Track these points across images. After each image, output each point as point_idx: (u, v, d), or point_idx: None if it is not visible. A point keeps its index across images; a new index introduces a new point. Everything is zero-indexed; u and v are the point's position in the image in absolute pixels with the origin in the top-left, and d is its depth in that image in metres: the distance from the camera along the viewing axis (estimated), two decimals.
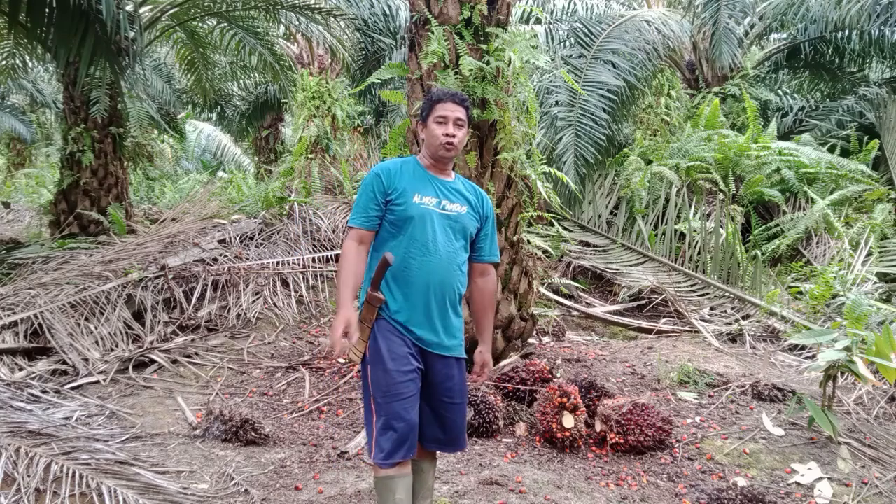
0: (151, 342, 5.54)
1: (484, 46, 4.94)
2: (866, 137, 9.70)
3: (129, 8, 7.68)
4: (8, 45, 8.90)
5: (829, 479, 3.71)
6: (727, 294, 7.25)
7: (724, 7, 9.36)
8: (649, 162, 9.51)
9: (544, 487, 3.58)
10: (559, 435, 4.04)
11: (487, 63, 4.85)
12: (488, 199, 2.94)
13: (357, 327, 2.61)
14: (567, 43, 10.32)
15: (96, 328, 5.55)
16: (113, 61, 6.84)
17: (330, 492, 3.53)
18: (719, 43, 9.32)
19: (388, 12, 11.24)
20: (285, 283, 6.70)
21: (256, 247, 7.08)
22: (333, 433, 4.33)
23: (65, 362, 5.12)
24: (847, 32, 10.42)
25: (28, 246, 8.59)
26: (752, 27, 11.28)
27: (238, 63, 12.88)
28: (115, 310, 5.77)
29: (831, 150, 9.61)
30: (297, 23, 9.78)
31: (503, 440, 4.23)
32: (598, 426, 4.13)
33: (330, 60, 11.39)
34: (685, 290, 7.56)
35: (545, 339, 6.12)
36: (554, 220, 8.73)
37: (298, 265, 6.92)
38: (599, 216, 9.11)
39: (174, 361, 5.30)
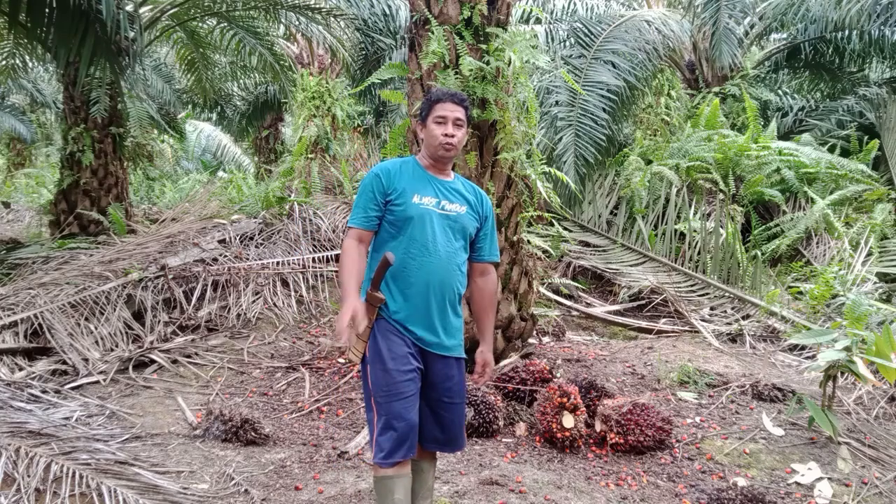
0: (151, 342, 5.54)
1: (484, 46, 4.94)
2: (866, 137, 9.70)
3: (129, 8, 7.68)
4: (8, 45, 8.90)
5: (829, 479, 3.71)
6: (727, 294, 7.25)
7: (724, 7, 9.36)
8: (649, 162, 9.51)
9: (544, 487, 3.58)
10: (559, 435, 4.04)
11: (487, 63, 4.85)
12: (488, 198, 2.94)
13: (364, 316, 2.60)
14: (567, 43, 10.32)
15: (96, 328, 5.55)
16: (113, 61, 6.84)
17: (330, 492, 3.53)
18: (719, 43, 9.32)
19: (388, 12, 11.24)
20: (285, 283, 6.70)
21: (256, 247, 7.08)
22: (333, 433, 4.34)
23: (65, 362, 5.12)
24: (847, 32, 10.42)
25: (28, 246, 8.59)
26: (752, 27, 11.28)
27: (238, 63, 12.88)
28: (115, 310, 5.77)
29: (831, 150, 9.61)
30: (297, 23, 9.78)
31: (503, 440, 4.23)
32: (598, 426, 4.13)
33: (330, 60, 11.39)
34: (685, 290, 7.56)
35: (545, 339, 6.12)
36: (554, 220, 8.73)
37: (298, 265, 6.92)
38: (599, 216, 9.11)
39: (174, 361, 5.30)
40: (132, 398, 4.72)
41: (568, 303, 7.54)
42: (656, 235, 8.32)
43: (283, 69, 10.14)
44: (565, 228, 8.89)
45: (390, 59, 11.50)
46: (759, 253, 7.71)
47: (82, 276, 6.10)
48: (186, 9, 8.83)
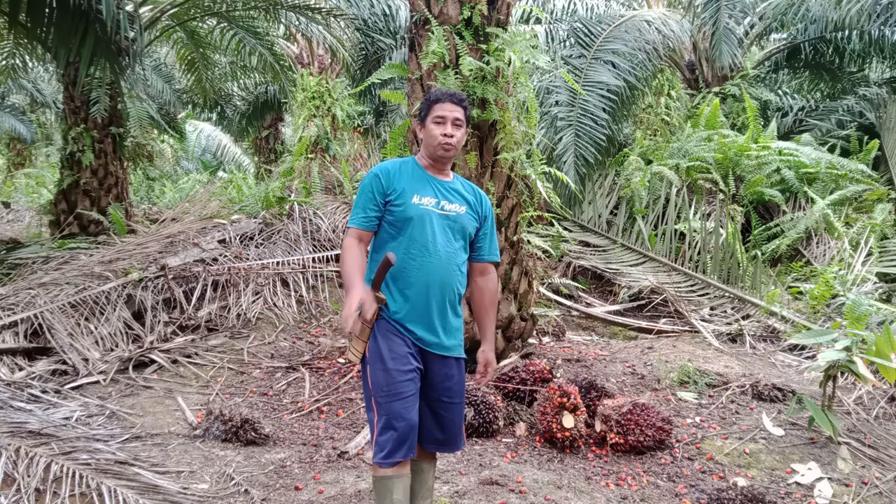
0: (151, 342, 5.54)
1: (484, 46, 4.94)
2: (866, 137, 9.71)
3: (129, 8, 7.68)
4: (8, 45, 8.90)
5: (829, 479, 3.71)
6: (727, 294, 7.25)
7: (724, 7, 9.36)
8: (649, 162, 9.51)
9: (544, 487, 3.58)
10: (559, 435, 4.04)
11: (487, 63, 4.85)
12: (487, 198, 2.94)
13: (373, 303, 2.59)
14: (567, 43, 10.32)
15: (96, 328, 5.55)
16: (113, 61, 6.84)
17: (330, 492, 3.53)
18: (719, 43, 9.32)
19: (388, 12, 11.24)
20: (285, 283, 6.70)
21: (256, 247, 7.08)
22: (333, 433, 4.34)
23: (65, 362, 5.12)
24: (847, 32, 10.42)
25: (28, 246, 8.59)
26: (752, 27, 11.28)
27: (238, 63, 12.88)
28: (115, 310, 5.77)
29: (831, 150, 9.62)
30: (297, 23, 9.78)
31: (503, 440, 4.24)
32: (598, 426, 4.13)
33: (330, 60, 11.39)
34: (685, 290, 7.56)
35: (545, 339, 6.12)
36: (554, 220, 8.73)
37: (298, 265, 6.92)
38: (599, 216, 9.11)
39: (174, 361, 5.30)
40: (132, 398, 4.72)
41: (568, 303, 7.54)
42: (656, 235, 8.32)
43: (283, 69, 10.14)
44: (565, 228, 8.89)
45: (390, 59, 11.50)
46: (759, 253, 7.71)
47: (82, 276, 6.10)
48: (186, 9, 8.83)
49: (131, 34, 6.82)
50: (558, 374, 4.96)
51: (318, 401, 4.79)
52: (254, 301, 6.33)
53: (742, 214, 8.59)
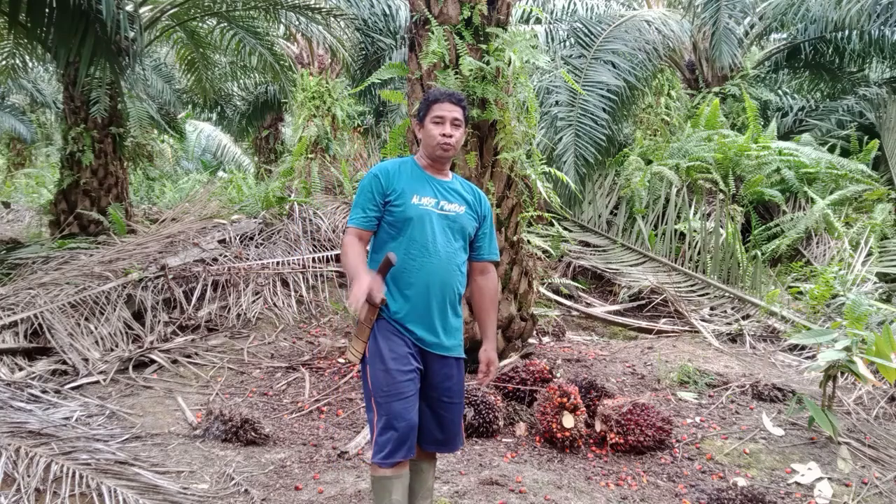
0: (151, 342, 5.54)
1: (484, 46, 4.94)
2: (866, 137, 9.71)
3: (129, 8, 7.69)
4: (8, 45, 8.90)
5: (829, 479, 3.71)
6: (727, 294, 7.25)
7: (724, 7, 9.36)
8: (649, 162, 9.51)
9: (544, 487, 3.58)
10: (559, 435, 4.04)
11: (487, 63, 4.85)
12: (486, 198, 2.94)
13: (381, 286, 2.57)
14: (567, 43, 10.32)
15: (96, 328, 5.55)
16: (113, 61, 6.84)
17: (330, 492, 3.53)
18: (719, 43, 9.32)
19: (388, 12, 11.24)
20: (285, 283, 6.70)
21: (256, 247, 7.08)
22: (333, 433, 4.34)
23: (65, 362, 5.12)
24: (847, 32, 10.42)
25: (28, 246, 8.59)
26: (752, 27, 11.28)
27: (238, 63, 12.88)
28: (115, 310, 5.77)
29: (831, 150, 9.62)
30: (297, 23, 9.78)
31: (503, 440, 4.24)
32: (598, 426, 4.13)
33: (330, 60, 11.39)
34: (685, 290, 7.56)
35: (545, 339, 6.12)
36: (554, 220, 8.73)
37: (298, 265, 6.92)
38: (599, 216, 9.11)
39: (174, 361, 5.30)
40: (132, 398, 4.72)
41: (568, 303, 7.54)
42: (656, 235, 8.32)
43: (283, 69, 10.14)
44: (565, 228, 8.89)
45: (390, 59, 11.50)
46: (759, 253, 7.71)
47: (82, 276, 6.10)
48: (186, 9, 8.83)
49: (131, 34, 6.82)
50: (558, 374, 4.96)
51: (318, 401, 4.79)
52: (254, 301, 6.33)
53: (742, 214, 8.59)
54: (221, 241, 7.09)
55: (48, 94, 16.19)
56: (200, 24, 9.69)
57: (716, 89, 10.75)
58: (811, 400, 4.15)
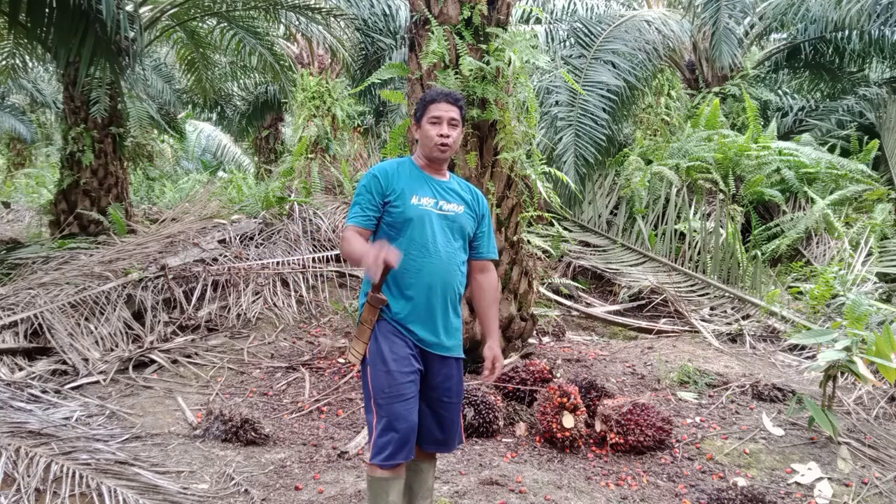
0: (151, 342, 5.54)
1: (484, 46, 4.94)
2: (866, 137, 9.71)
3: (129, 8, 7.69)
4: (8, 45, 8.90)
5: (829, 479, 3.71)
6: (727, 294, 7.25)
7: (724, 7, 9.36)
8: (649, 162, 9.51)
9: (544, 487, 3.58)
10: (559, 435, 4.04)
11: (487, 63, 4.85)
12: (483, 197, 2.94)
13: (392, 250, 2.48)
14: (567, 43, 10.32)
15: (96, 328, 5.55)
16: (113, 61, 6.84)
17: (330, 492, 3.53)
18: (719, 43, 9.32)
19: (388, 12, 11.25)
20: (285, 283, 6.70)
21: (256, 247, 7.08)
22: (333, 433, 4.34)
23: (65, 362, 5.12)
24: (847, 32, 10.42)
25: (28, 246, 8.59)
26: (752, 27, 11.28)
27: (238, 63, 12.88)
28: (115, 310, 5.77)
29: (831, 150, 9.62)
30: (297, 23, 9.78)
31: (503, 440, 4.23)
32: (598, 426, 4.13)
33: (330, 60, 11.39)
34: (685, 290, 7.56)
35: (545, 339, 6.12)
36: (554, 220, 8.74)
37: (298, 265, 6.92)
38: (599, 216, 9.11)
39: (174, 361, 5.30)
40: (132, 398, 4.72)
41: (568, 303, 7.54)
42: (656, 235, 8.32)
43: (283, 69, 10.14)
44: (565, 228, 8.89)
45: (390, 59, 11.50)
46: (759, 253, 7.71)
47: (82, 276, 6.10)
48: (186, 9, 8.83)
49: (131, 34, 6.82)
50: (558, 374, 4.96)
51: (318, 401, 4.79)
52: (254, 301, 6.33)
53: (742, 214, 8.59)
54: (221, 241, 7.09)
55: (48, 94, 16.19)
56: (200, 24, 9.69)
57: (716, 89, 10.75)
58: (811, 400, 4.15)
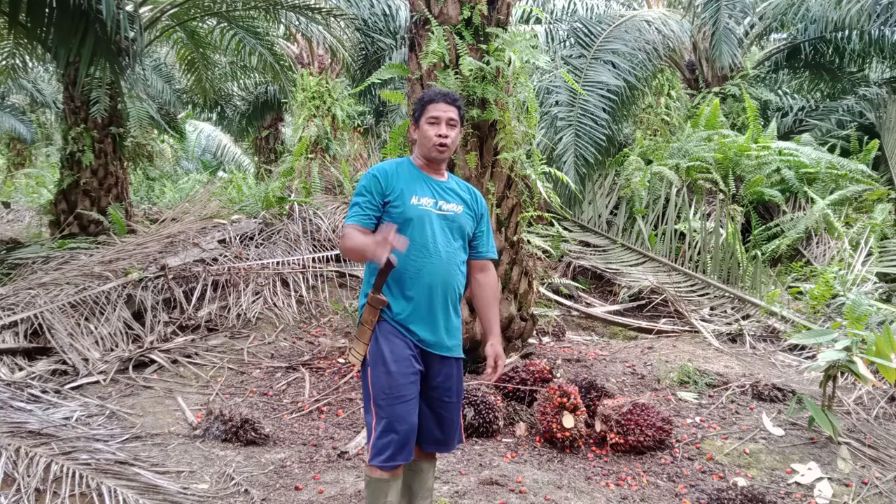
0: (151, 342, 5.54)
1: (484, 46, 4.94)
2: (866, 137, 9.71)
3: (129, 8, 7.69)
4: (8, 45, 8.90)
5: (829, 479, 3.71)
6: (727, 294, 7.25)
7: (724, 7, 9.36)
8: (649, 162, 9.51)
9: (544, 487, 3.58)
10: (559, 435, 4.04)
11: (487, 63, 4.85)
12: (481, 196, 2.94)
13: (397, 233, 2.49)
14: (567, 43, 10.32)
15: (96, 328, 5.55)
16: (113, 61, 6.84)
17: (330, 492, 3.53)
18: (719, 43, 9.32)
19: (388, 12, 11.25)
20: (285, 283, 6.70)
21: (256, 247, 7.08)
22: (333, 433, 4.34)
23: (65, 362, 5.12)
24: (847, 32, 10.42)
25: (28, 246, 8.59)
26: (752, 27, 11.28)
27: (238, 63, 12.88)
28: (115, 310, 5.77)
29: (831, 150, 9.62)
30: (297, 23, 9.78)
31: (503, 440, 4.23)
32: (598, 426, 4.13)
33: (330, 60, 11.39)
34: (685, 290, 7.56)
35: (545, 339, 6.12)
36: (554, 220, 8.74)
37: (298, 265, 6.92)
38: (599, 216, 9.11)
39: (174, 361, 5.30)
40: (132, 398, 4.72)
41: (568, 303, 7.54)
42: (656, 235, 8.32)
43: (283, 69, 10.14)
44: (565, 228, 8.89)
45: (390, 59, 11.50)
46: (759, 253, 7.71)
47: (82, 276, 6.10)
48: (186, 9, 8.83)
49: (131, 34, 6.82)
50: (558, 374, 4.96)
51: (318, 401, 4.79)
52: (254, 301, 6.33)
53: (742, 214, 8.59)
54: (221, 241, 7.09)
55: (48, 94, 16.19)
56: (200, 24, 9.69)
57: (716, 89, 10.75)
58: (811, 400, 4.15)
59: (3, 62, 9.06)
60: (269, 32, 10.30)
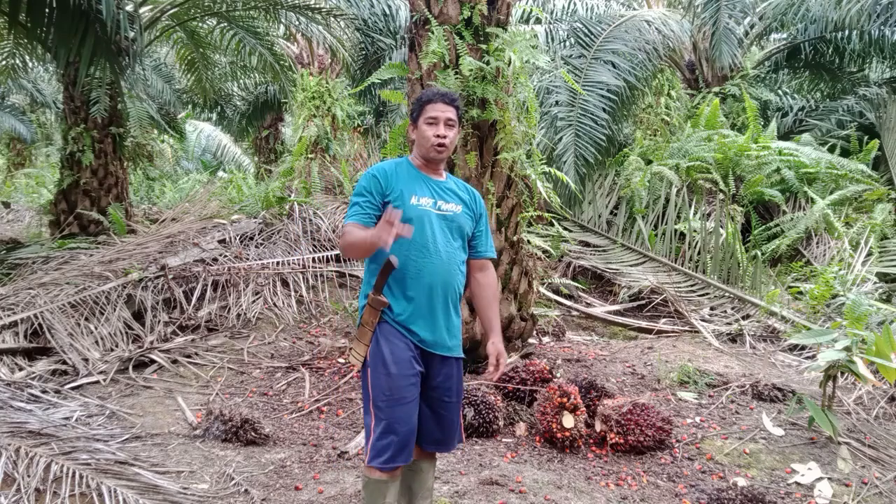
0: (151, 342, 5.54)
1: (484, 46, 4.94)
2: (866, 137, 9.71)
3: (129, 8, 7.69)
4: (8, 45, 8.90)
5: (829, 479, 3.71)
6: (727, 294, 7.25)
7: (724, 7, 9.36)
8: (649, 162, 9.51)
9: (544, 487, 3.58)
10: (559, 435, 4.04)
11: (487, 63, 4.85)
12: (480, 196, 2.94)
13: (399, 213, 2.46)
14: (567, 43, 10.32)
15: (96, 328, 5.55)
16: (113, 61, 6.84)
17: (330, 492, 3.53)
18: (719, 43, 9.32)
19: (388, 12, 11.25)
20: (285, 283, 6.70)
21: (256, 247, 7.08)
22: (333, 433, 4.34)
23: (65, 362, 5.12)
24: (847, 32, 10.42)
25: (28, 246, 8.59)
26: (752, 27, 11.28)
27: (238, 63, 12.88)
28: (115, 310, 5.77)
29: (831, 150, 9.62)
30: (297, 23, 9.79)
31: (503, 440, 4.23)
32: (598, 426, 4.13)
33: (330, 60, 11.40)
34: (685, 290, 7.56)
35: (545, 339, 6.12)
36: (554, 220, 8.74)
37: (298, 265, 6.92)
38: (599, 216, 9.11)
39: (174, 361, 5.30)
40: (132, 398, 4.72)
41: (568, 303, 7.54)
42: (656, 235, 8.32)
43: (283, 69, 10.14)
44: (565, 228, 8.89)
45: (390, 59, 11.50)
46: (759, 253, 7.71)
47: (82, 276, 6.10)
48: (186, 9, 8.83)
49: (131, 34, 6.82)
50: (558, 374, 4.96)
51: (318, 401, 4.79)
52: (254, 301, 6.33)
53: (742, 214, 8.59)
54: (221, 241, 7.09)
55: (48, 94, 16.19)
56: (200, 24, 9.69)
57: (716, 89, 10.75)
58: (811, 400, 4.15)
59: (3, 62, 9.06)
60: (269, 32, 10.30)
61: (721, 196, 8.71)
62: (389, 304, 2.66)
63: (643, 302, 7.59)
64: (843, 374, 4.48)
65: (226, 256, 6.75)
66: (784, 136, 10.97)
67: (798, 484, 3.68)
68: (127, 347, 5.46)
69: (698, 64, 11.15)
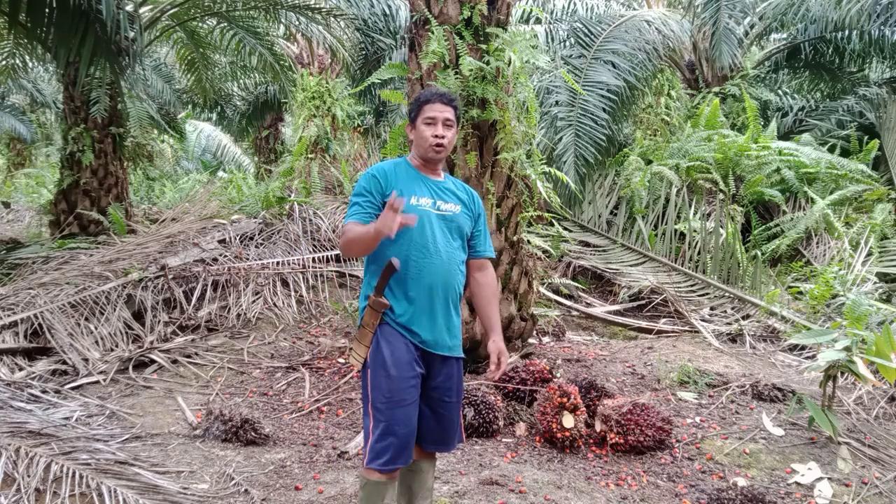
0: (151, 342, 5.54)
1: (484, 46, 4.94)
2: (866, 137, 9.71)
3: (129, 8, 7.69)
4: (8, 45, 8.90)
5: (829, 479, 3.71)
6: (727, 294, 7.25)
7: (724, 7, 9.36)
8: (649, 162, 9.51)
9: (544, 487, 3.58)
10: (559, 435, 4.04)
11: (487, 63, 4.85)
12: (478, 196, 2.94)
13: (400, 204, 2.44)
14: (567, 43, 10.32)
15: (96, 328, 5.55)
16: (113, 61, 6.84)
17: (330, 492, 3.53)
18: (719, 43, 9.32)
19: (388, 12, 11.25)
20: (285, 283, 6.70)
21: (256, 247, 7.08)
22: (333, 433, 4.34)
23: (65, 362, 5.12)
24: (847, 32, 10.42)
25: (28, 246, 8.59)
26: (752, 27, 11.28)
27: (238, 63, 12.88)
28: (115, 310, 5.77)
29: (831, 150, 9.62)
30: (297, 23, 9.79)
31: (503, 440, 4.23)
32: (598, 426, 4.13)
33: (330, 60, 11.40)
34: (685, 290, 7.56)
35: (545, 339, 6.12)
36: (554, 220, 8.74)
37: (298, 265, 6.92)
38: (599, 216, 9.11)
39: (174, 361, 5.30)
40: (132, 398, 4.72)
41: (568, 303, 7.54)
42: (656, 235, 8.32)
43: (283, 69, 10.14)
44: (565, 228, 8.89)
45: (390, 59, 11.50)
46: (759, 253, 7.71)
47: (82, 276, 6.10)
48: (186, 9, 8.83)
49: (131, 34, 6.82)
50: (558, 374, 4.96)
51: (318, 401, 4.79)
52: (254, 301, 6.33)
53: (742, 214, 8.59)
54: (221, 241, 7.09)
55: (48, 94, 16.19)
56: (200, 24, 9.69)
57: (716, 89, 10.75)
58: (811, 400, 4.15)
59: (3, 62, 9.07)
60: (269, 32, 10.30)
61: (721, 196, 8.71)
62: (390, 305, 2.66)
63: (643, 302, 7.59)
64: (843, 374, 4.48)
65: (226, 256, 6.75)
66: (784, 136, 10.97)
67: (798, 484, 3.68)
68: (127, 347, 5.46)
69: (698, 64, 11.15)
